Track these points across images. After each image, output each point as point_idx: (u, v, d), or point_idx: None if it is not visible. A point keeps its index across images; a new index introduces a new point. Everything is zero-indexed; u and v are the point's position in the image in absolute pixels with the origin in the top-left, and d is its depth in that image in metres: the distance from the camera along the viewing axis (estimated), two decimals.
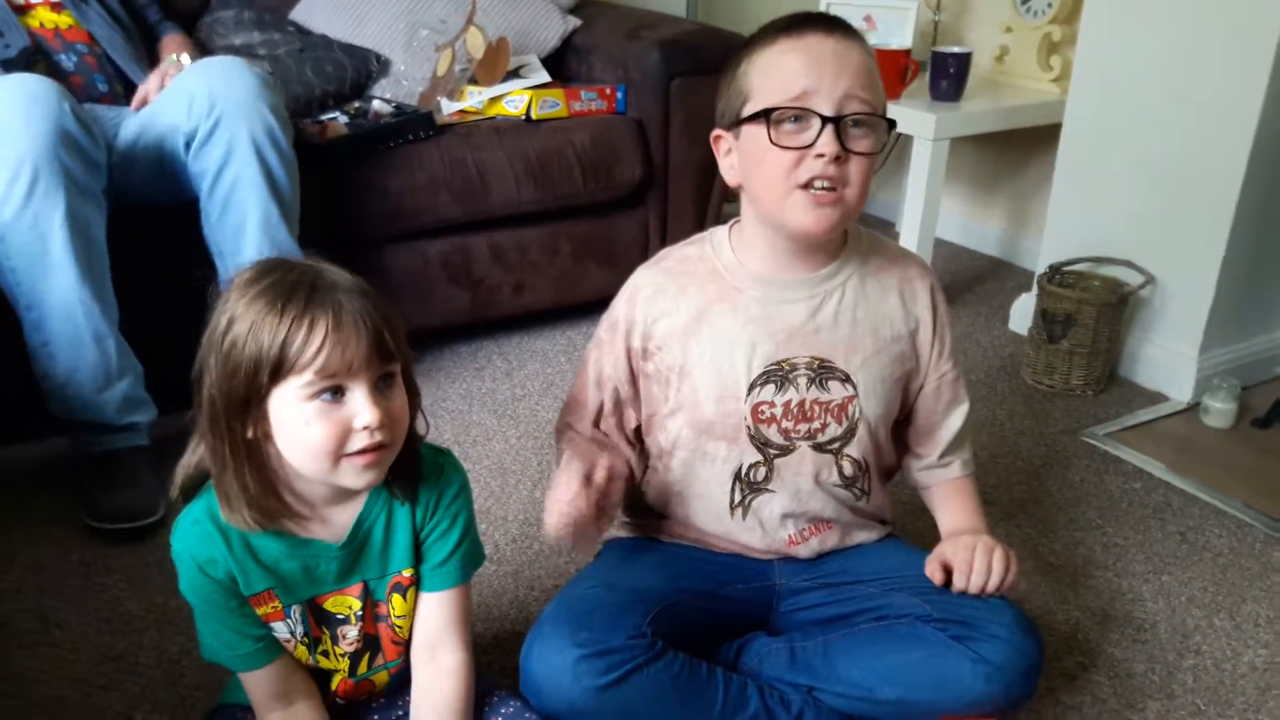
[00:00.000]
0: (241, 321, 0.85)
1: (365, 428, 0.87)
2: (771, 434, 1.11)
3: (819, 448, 1.12)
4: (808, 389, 1.10)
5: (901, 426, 1.21)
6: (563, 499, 1.00)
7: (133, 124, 1.66)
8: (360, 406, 0.87)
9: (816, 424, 1.11)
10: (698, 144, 2.11)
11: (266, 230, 1.61)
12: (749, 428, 1.10)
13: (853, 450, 1.13)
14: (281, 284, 0.86)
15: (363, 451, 0.87)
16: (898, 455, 1.24)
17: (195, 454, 0.93)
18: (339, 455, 0.87)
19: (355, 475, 0.89)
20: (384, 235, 1.93)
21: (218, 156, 1.57)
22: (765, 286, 1.10)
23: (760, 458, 1.12)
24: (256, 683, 0.97)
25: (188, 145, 1.59)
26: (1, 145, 1.37)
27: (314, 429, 0.86)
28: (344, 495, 0.95)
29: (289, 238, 1.65)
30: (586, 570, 1.21)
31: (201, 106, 1.56)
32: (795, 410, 1.10)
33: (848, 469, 1.14)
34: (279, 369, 0.84)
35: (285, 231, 1.64)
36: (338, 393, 0.86)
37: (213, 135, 1.57)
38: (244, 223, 1.60)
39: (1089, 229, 2.07)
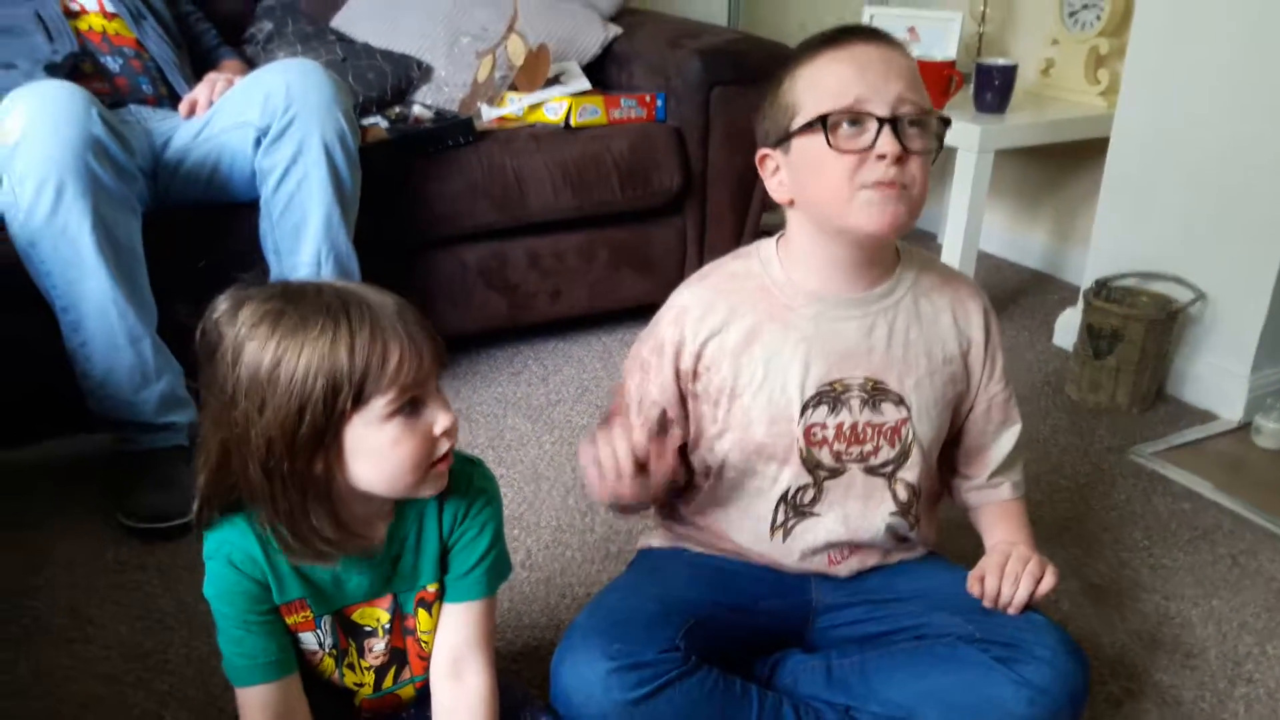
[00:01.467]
0: (296, 355, 0.80)
1: (445, 433, 0.87)
2: (823, 456, 1.08)
3: (871, 471, 1.09)
4: (861, 411, 1.07)
5: (949, 448, 1.18)
6: (619, 449, 0.97)
7: (188, 129, 1.69)
8: (437, 414, 0.87)
9: (869, 446, 1.08)
10: (737, 153, 2.10)
11: (328, 231, 1.63)
12: (801, 450, 1.07)
13: (906, 474, 1.10)
14: (327, 309, 0.82)
15: (444, 457, 0.88)
16: (945, 477, 1.21)
17: (212, 500, 0.89)
18: (427, 467, 0.87)
19: (436, 482, 0.90)
20: (423, 241, 1.93)
21: (288, 154, 1.59)
22: (819, 304, 1.07)
23: (810, 480, 1.09)
24: (260, 702, 0.92)
25: (258, 141, 1.61)
26: (30, 153, 1.38)
27: (404, 447, 0.85)
28: (388, 513, 0.94)
29: (347, 241, 1.66)
30: (619, 580, 1.18)
31: (278, 104, 1.58)
32: (848, 432, 1.07)
33: (902, 494, 1.10)
34: (361, 394, 0.82)
35: (344, 235, 1.66)
36: (416, 404, 0.85)
37: (285, 133, 1.59)
38: (305, 222, 1.62)
39: (1137, 243, 2.03)
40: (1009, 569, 1.06)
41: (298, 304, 0.83)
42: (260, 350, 0.81)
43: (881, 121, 0.96)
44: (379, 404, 0.83)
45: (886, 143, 0.96)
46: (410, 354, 0.83)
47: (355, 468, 0.85)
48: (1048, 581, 1.06)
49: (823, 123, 0.97)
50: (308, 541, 0.87)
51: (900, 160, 0.96)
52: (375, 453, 0.84)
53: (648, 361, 1.12)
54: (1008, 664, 1.02)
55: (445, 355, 0.88)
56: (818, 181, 1.00)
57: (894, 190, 0.97)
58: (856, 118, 0.97)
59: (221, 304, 0.85)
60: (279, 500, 0.84)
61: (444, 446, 0.88)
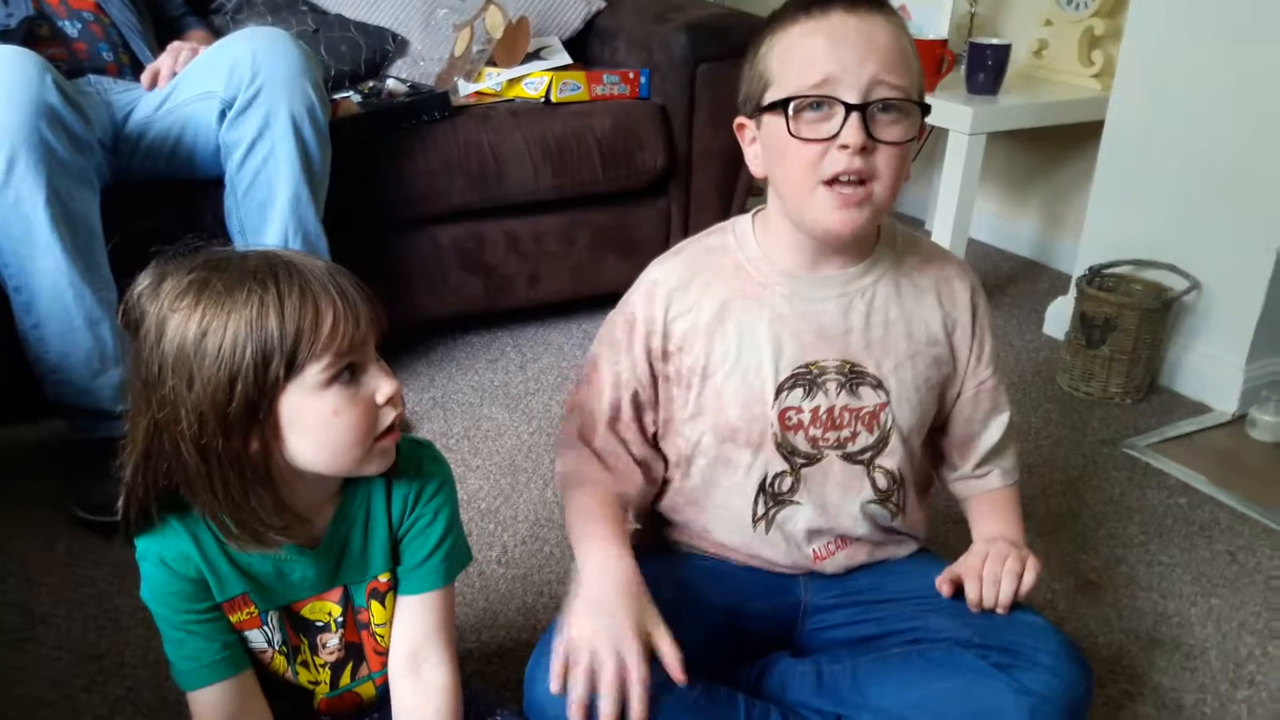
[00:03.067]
0: (222, 325, 0.75)
1: (389, 400, 0.82)
2: (799, 441, 1.03)
3: (849, 458, 1.04)
4: (838, 395, 1.02)
5: (936, 435, 1.13)
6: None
7: (150, 100, 1.62)
8: (379, 381, 0.82)
9: (846, 432, 1.03)
10: (723, 131, 2.03)
11: (295, 209, 1.56)
12: (775, 434, 1.02)
13: (885, 461, 1.05)
14: (254, 274, 0.77)
15: (389, 431, 0.82)
16: (933, 465, 1.16)
17: (142, 493, 0.83)
18: (371, 440, 0.81)
19: (382, 458, 0.84)
20: (395, 220, 1.86)
21: (253, 128, 1.52)
22: (793, 283, 1.01)
23: (786, 467, 1.04)
24: (212, 704, 0.87)
25: (222, 114, 1.54)
26: None
27: (345, 417, 0.79)
28: (331, 496, 0.88)
29: (316, 220, 1.60)
30: None
31: (244, 74, 1.51)
32: (824, 417, 1.02)
33: (881, 482, 1.06)
34: (294, 360, 0.76)
35: (313, 213, 1.59)
36: (354, 371, 0.80)
37: (251, 105, 1.52)
38: (271, 199, 1.55)
39: (1131, 230, 1.98)
40: (987, 570, 1.02)
41: (222, 272, 0.77)
42: (185, 323, 0.76)
43: (849, 109, 0.90)
44: (314, 371, 0.77)
45: (851, 133, 0.90)
46: (345, 315, 0.78)
47: (294, 443, 0.80)
48: (1028, 579, 1.01)
49: (784, 106, 0.91)
50: (249, 527, 0.81)
51: (866, 150, 0.90)
52: (314, 425, 0.79)
53: (618, 340, 1.06)
54: (1007, 671, 0.97)
55: (382, 319, 0.83)
56: (780, 166, 0.96)
57: (855, 195, 0.92)
58: (822, 101, 0.91)
59: (143, 280, 0.79)
60: (216, 483, 0.79)
61: (388, 416, 0.82)
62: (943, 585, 1.04)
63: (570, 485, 1.08)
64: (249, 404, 0.76)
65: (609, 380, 1.07)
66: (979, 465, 1.13)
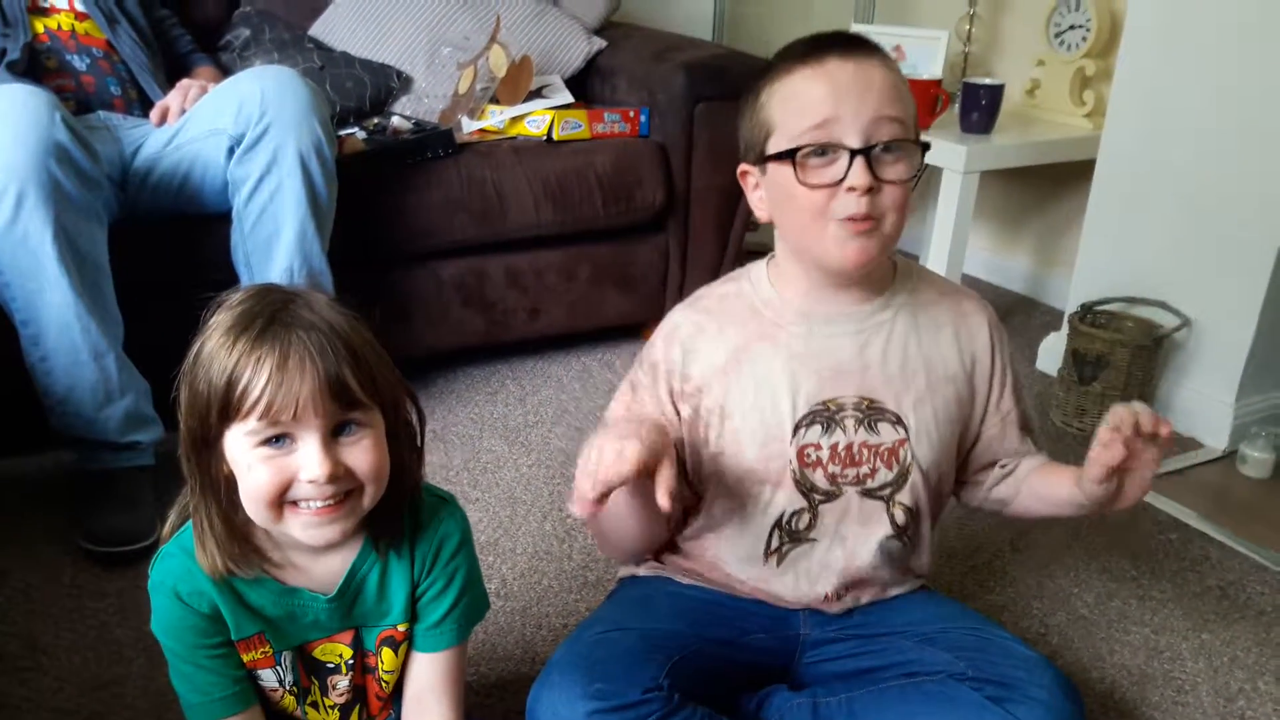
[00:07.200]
0: (206, 350, 0.79)
1: (311, 481, 0.79)
2: (818, 479, 1.04)
3: (868, 494, 1.05)
4: (856, 431, 1.03)
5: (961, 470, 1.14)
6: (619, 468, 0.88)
7: (158, 137, 1.65)
8: (307, 458, 0.79)
9: (865, 469, 1.04)
10: (721, 169, 2.06)
11: (301, 244, 1.58)
12: (794, 471, 1.03)
13: (905, 498, 1.06)
14: (246, 314, 0.79)
15: (312, 507, 0.80)
16: (955, 491, 1.16)
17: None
18: (281, 505, 0.80)
19: (303, 529, 0.81)
20: (399, 255, 1.88)
21: (261, 164, 1.55)
22: (808, 321, 1.03)
23: (805, 504, 1.05)
24: None
25: (231, 150, 1.56)
26: None
27: (255, 475, 0.79)
28: (345, 544, 0.89)
29: (321, 255, 1.62)
30: (599, 611, 1.14)
31: (252, 111, 1.54)
32: (843, 454, 1.04)
33: (900, 517, 1.06)
34: (225, 410, 0.78)
35: (318, 247, 1.61)
36: (283, 440, 0.79)
37: (259, 142, 1.54)
38: (277, 234, 1.57)
39: (1122, 268, 2.01)
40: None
41: (244, 304, 0.81)
42: (197, 341, 0.81)
43: (853, 154, 0.93)
44: (241, 429, 0.78)
45: (857, 175, 0.93)
46: (275, 383, 0.76)
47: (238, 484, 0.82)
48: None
49: (791, 156, 0.94)
50: (206, 539, 0.83)
51: (873, 191, 0.93)
52: (239, 472, 0.81)
53: (640, 382, 1.08)
54: (1001, 704, 0.98)
55: (366, 396, 0.80)
56: (789, 211, 0.98)
57: (865, 226, 0.94)
58: (826, 148, 0.94)
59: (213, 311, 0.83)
60: (190, 490, 0.83)
61: (303, 491, 0.79)
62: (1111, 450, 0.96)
63: None
64: (204, 428, 0.79)
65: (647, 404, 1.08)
66: (1004, 464, 1.13)
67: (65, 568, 1.42)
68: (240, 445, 0.79)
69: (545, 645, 1.31)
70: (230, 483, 0.82)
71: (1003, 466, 1.14)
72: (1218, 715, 1.25)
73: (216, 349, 0.78)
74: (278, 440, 0.79)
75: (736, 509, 1.07)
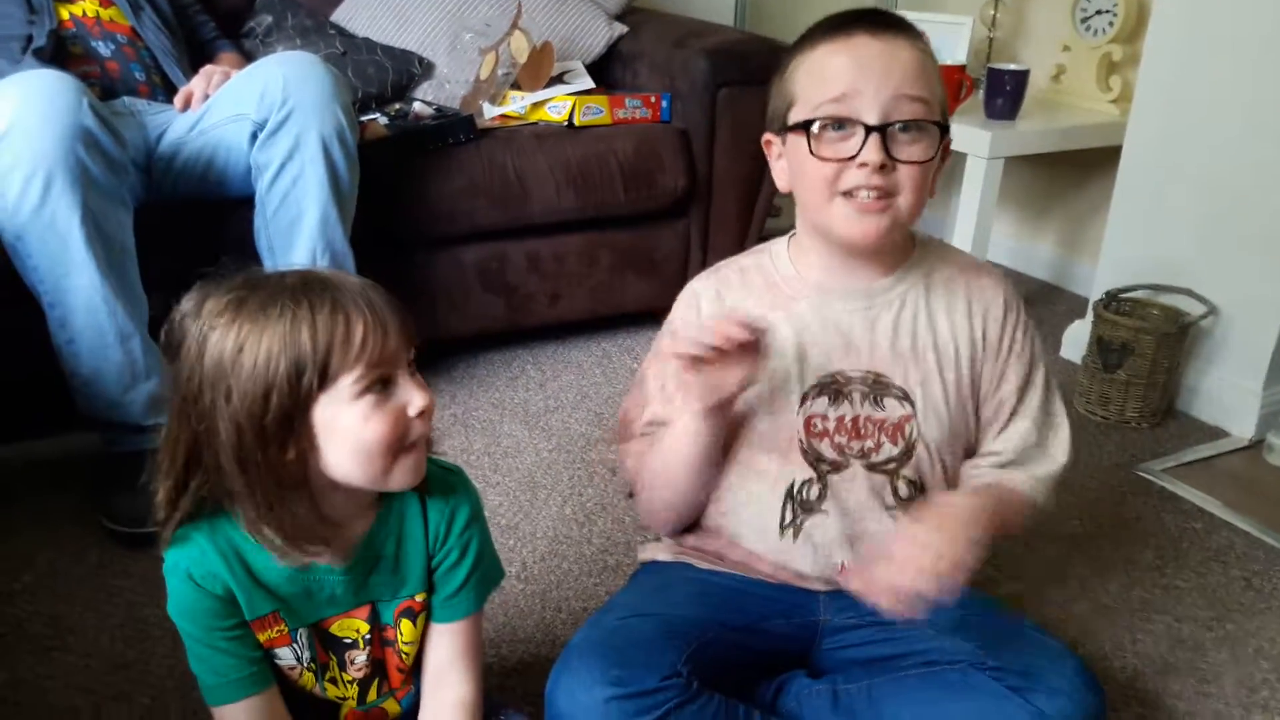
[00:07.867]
0: (257, 340, 0.78)
1: (420, 413, 0.83)
2: (824, 449, 1.04)
3: (873, 468, 1.05)
4: (862, 405, 1.04)
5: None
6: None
7: (183, 122, 1.66)
8: (410, 393, 0.83)
9: (870, 442, 1.04)
10: (743, 155, 2.06)
11: (323, 229, 1.59)
12: (801, 441, 1.04)
13: (910, 472, 1.05)
14: (289, 292, 0.80)
15: (415, 445, 0.84)
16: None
17: (178, 508, 0.86)
18: (399, 450, 0.83)
19: (408, 473, 0.85)
20: (420, 240, 1.89)
21: (284, 149, 1.56)
22: (822, 295, 1.04)
23: (813, 474, 1.05)
24: (238, 719, 0.89)
25: (254, 136, 1.57)
26: (17, 144, 1.33)
27: (374, 425, 0.81)
28: (366, 510, 0.90)
29: (343, 239, 1.63)
30: (618, 596, 1.14)
31: (275, 97, 1.55)
32: (849, 426, 1.04)
33: (904, 490, 1.06)
34: (326, 371, 0.79)
35: (341, 233, 1.62)
36: (387, 383, 0.82)
37: (282, 127, 1.55)
38: (300, 219, 1.58)
39: (1148, 255, 1.99)
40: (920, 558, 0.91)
41: (259, 290, 0.81)
42: (223, 339, 0.79)
43: (869, 130, 0.92)
44: (346, 382, 0.80)
45: (870, 152, 0.93)
46: (375, 328, 0.80)
47: (328, 453, 0.82)
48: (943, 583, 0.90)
49: (806, 127, 0.94)
50: (290, 538, 0.83)
51: (885, 168, 0.93)
52: (346, 433, 0.81)
53: (664, 350, 1.08)
54: (1023, 693, 0.98)
55: (413, 332, 0.85)
56: (802, 180, 0.99)
57: (875, 205, 0.94)
58: (843, 122, 0.94)
59: (186, 302, 0.83)
60: (256, 494, 0.81)
61: (417, 429, 0.84)
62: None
63: (642, 457, 1.09)
64: (284, 415, 0.79)
65: (657, 390, 1.09)
66: (1004, 466, 1.08)
67: (91, 548, 1.44)
68: (340, 407, 0.80)
69: (564, 629, 1.32)
70: (299, 465, 0.82)
71: (975, 467, 1.08)
72: (1241, 706, 1.24)
73: (288, 328, 0.78)
74: (382, 385, 0.82)
75: (746, 481, 1.07)
